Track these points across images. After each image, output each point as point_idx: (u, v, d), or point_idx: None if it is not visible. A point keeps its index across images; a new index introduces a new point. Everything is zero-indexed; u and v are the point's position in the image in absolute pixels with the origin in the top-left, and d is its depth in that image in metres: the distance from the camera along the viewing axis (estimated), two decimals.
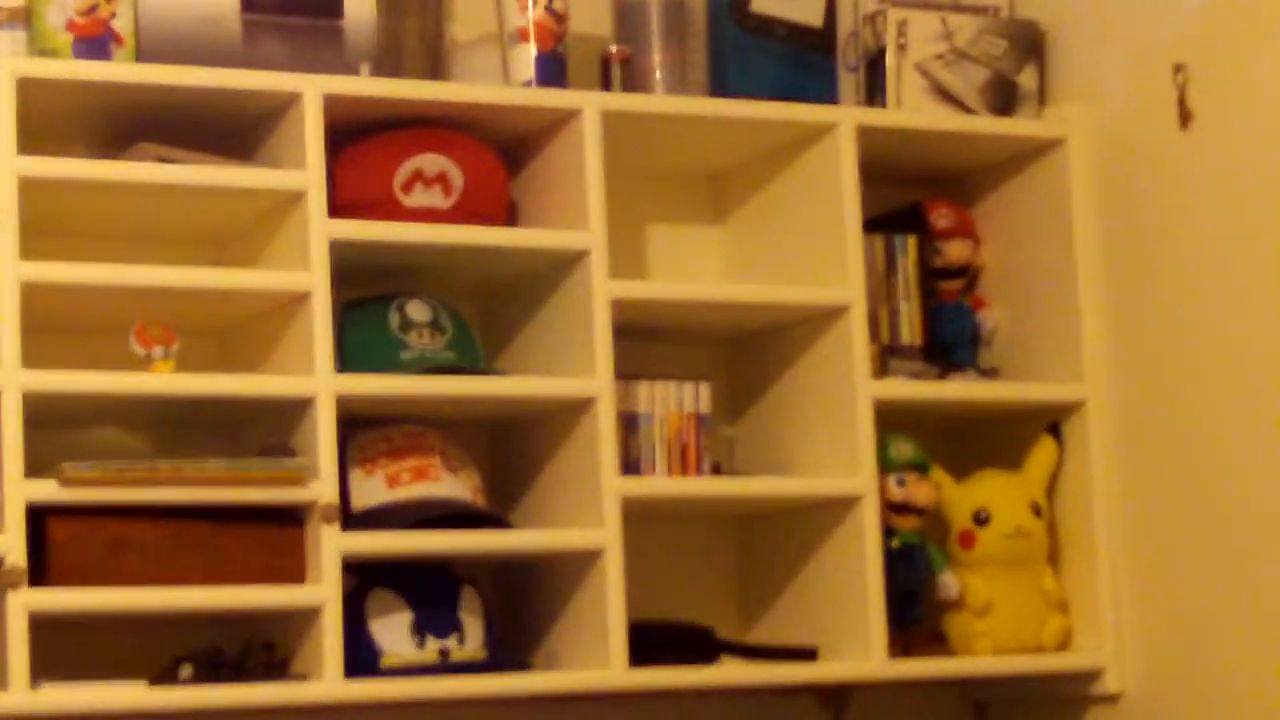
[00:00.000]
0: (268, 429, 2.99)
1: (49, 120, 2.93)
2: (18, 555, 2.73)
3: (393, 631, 2.95)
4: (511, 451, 3.21)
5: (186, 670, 2.83)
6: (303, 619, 2.88)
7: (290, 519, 2.90)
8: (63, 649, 2.81)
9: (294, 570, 2.88)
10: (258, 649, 2.91)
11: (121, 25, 2.95)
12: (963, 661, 3.27)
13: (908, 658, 3.22)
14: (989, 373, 3.40)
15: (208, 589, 2.84)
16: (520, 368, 3.17)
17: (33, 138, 2.84)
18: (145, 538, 2.81)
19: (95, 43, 2.94)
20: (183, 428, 3.07)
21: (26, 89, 2.82)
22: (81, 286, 2.85)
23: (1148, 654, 3.25)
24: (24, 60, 2.89)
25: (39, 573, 2.75)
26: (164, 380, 2.87)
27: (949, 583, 3.26)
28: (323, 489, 2.89)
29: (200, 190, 2.93)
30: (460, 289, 3.20)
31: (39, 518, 2.77)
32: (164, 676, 2.83)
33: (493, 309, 3.24)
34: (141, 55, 2.94)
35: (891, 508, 3.23)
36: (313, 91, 2.95)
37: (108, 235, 3.04)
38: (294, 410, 2.93)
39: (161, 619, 2.96)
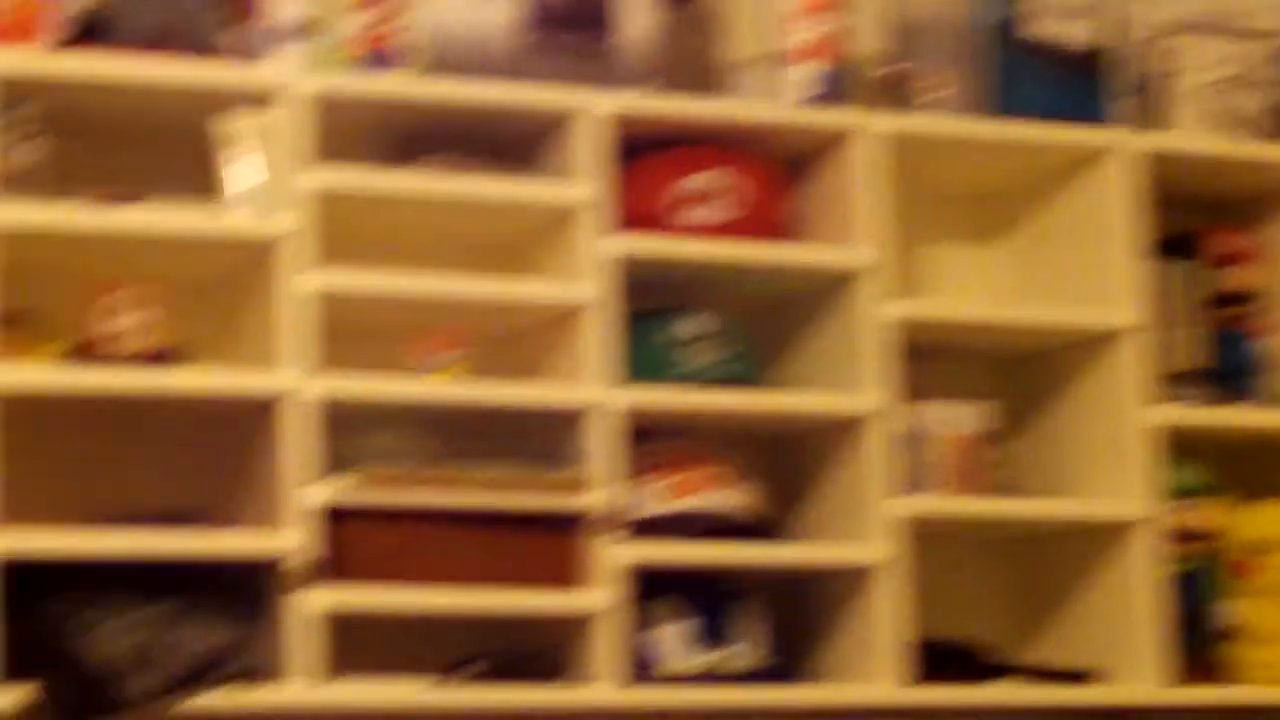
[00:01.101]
0: (546, 438, 3.00)
1: (332, 134, 2.97)
2: (311, 554, 2.77)
3: (671, 640, 2.95)
4: (786, 467, 3.20)
5: (473, 670, 2.84)
6: (581, 624, 2.90)
7: (569, 526, 2.91)
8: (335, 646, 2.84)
9: (571, 576, 2.89)
10: (536, 652, 2.92)
11: (406, 40, 2.99)
12: (1246, 690, 3.20)
13: (1187, 685, 3.16)
14: (1270, 400, 3.33)
15: (498, 592, 2.86)
16: (795, 384, 3.17)
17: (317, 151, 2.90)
18: (432, 540, 2.84)
19: (381, 57, 2.98)
20: (457, 434, 3.09)
21: (317, 104, 2.88)
22: (376, 296, 2.90)
23: None
24: (321, 76, 2.93)
25: (330, 571, 2.79)
26: (456, 388, 2.90)
27: (1230, 611, 3.20)
28: (605, 498, 2.90)
29: (488, 203, 2.98)
30: (736, 304, 3.20)
31: (330, 517, 2.80)
32: (448, 676, 2.85)
33: (768, 324, 3.24)
34: (426, 70, 2.98)
35: (1173, 534, 3.18)
36: (596, 108, 2.98)
37: (388, 246, 3.08)
38: (574, 420, 2.95)
39: (439, 620, 2.98)
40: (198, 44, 2.92)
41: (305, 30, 2.99)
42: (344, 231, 2.98)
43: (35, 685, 2.67)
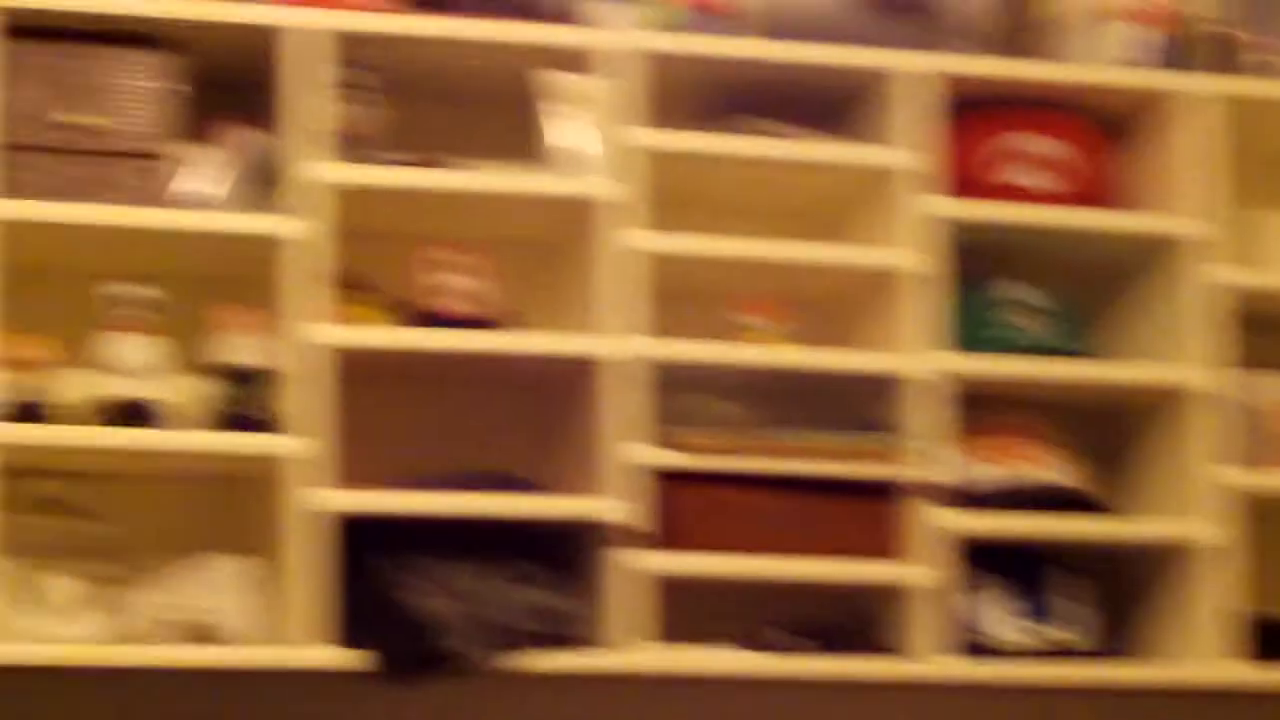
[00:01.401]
0: (865, 405, 2.97)
1: (653, 95, 2.95)
2: (636, 517, 2.78)
3: (996, 613, 2.93)
4: (1107, 439, 3.15)
5: (805, 642, 2.84)
6: (901, 595, 2.88)
7: (888, 495, 2.89)
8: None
9: (889, 546, 2.87)
10: (857, 623, 2.91)
11: (731, 2, 2.97)
12: None
13: None
14: None
15: (818, 561, 2.84)
16: (1119, 354, 3.11)
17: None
18: (756, 506, 2.84)
19: (713, 18, 2.96)
20: (773, 399, 3.06)
21: (650, 65, 2.87)
22: (708, 259, 2.89)
23: None
24: (654, 37, 2.91)
25: (656, 535, 2.80)
26: (782, 354, 2.89)
27: None
28: (924, 467, 2.87)
29: (815, 166, 2.96)
30: (1057, 271, 3.14)
31: (657, 481, 2.81)
32: (767, 644, 2.86)
33: (1091, 293, 3.18)
34: (752, 31, 2.96)
35: None
36: (923, 69, 2.95)
37: (701, 208, 3.05)
38: (895, 387, 2.92)
39: (747, 586, 2.95)
40: (524, 6, 2.92)
41: None
42: (660, 193, 2.97)
43: (366, 644, 2.70)
